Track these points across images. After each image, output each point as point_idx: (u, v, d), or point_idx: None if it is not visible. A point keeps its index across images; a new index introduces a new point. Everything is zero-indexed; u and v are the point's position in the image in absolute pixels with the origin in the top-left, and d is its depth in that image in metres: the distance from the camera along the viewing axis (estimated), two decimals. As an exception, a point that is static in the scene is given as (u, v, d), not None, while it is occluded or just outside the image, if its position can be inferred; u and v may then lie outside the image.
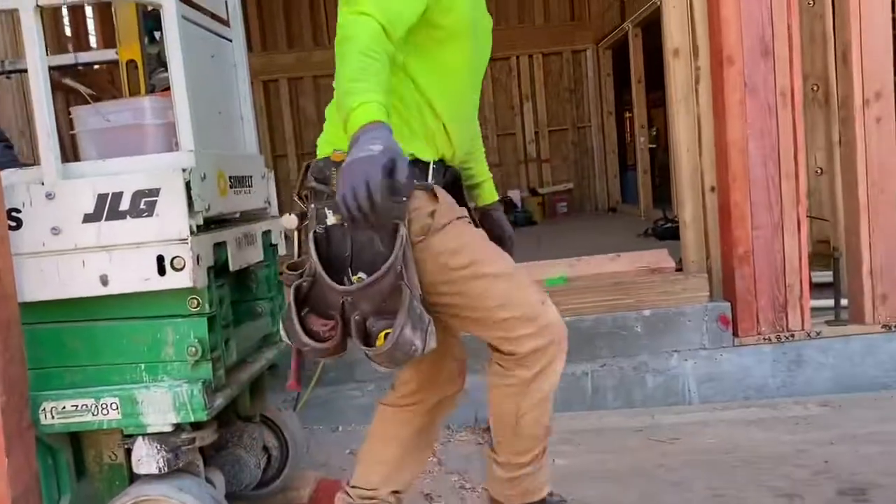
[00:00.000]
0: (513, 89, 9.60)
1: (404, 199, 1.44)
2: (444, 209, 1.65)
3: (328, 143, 1.67)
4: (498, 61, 9.54)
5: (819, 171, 4.44)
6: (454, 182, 1.81)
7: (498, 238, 1.93)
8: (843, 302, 3.32)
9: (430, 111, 1.66)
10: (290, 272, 1.62)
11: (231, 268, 2.00)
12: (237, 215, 2.20)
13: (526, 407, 1.68)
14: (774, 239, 3.15)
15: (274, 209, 2.43)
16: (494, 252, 1.71)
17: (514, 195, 9.28)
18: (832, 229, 3.68)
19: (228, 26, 2.33)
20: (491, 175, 2.07)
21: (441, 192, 1.67)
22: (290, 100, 9.59)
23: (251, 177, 2.27)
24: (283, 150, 9.68)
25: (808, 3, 4.20)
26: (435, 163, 1.69)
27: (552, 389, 1.69)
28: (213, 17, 2.21)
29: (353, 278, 1.54)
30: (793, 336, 3.18)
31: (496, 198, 2.06)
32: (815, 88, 4.23)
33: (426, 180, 1.66)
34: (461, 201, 1.78)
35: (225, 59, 2.31)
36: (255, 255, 2.21)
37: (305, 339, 1.57)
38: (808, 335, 3.19)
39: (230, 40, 2.34)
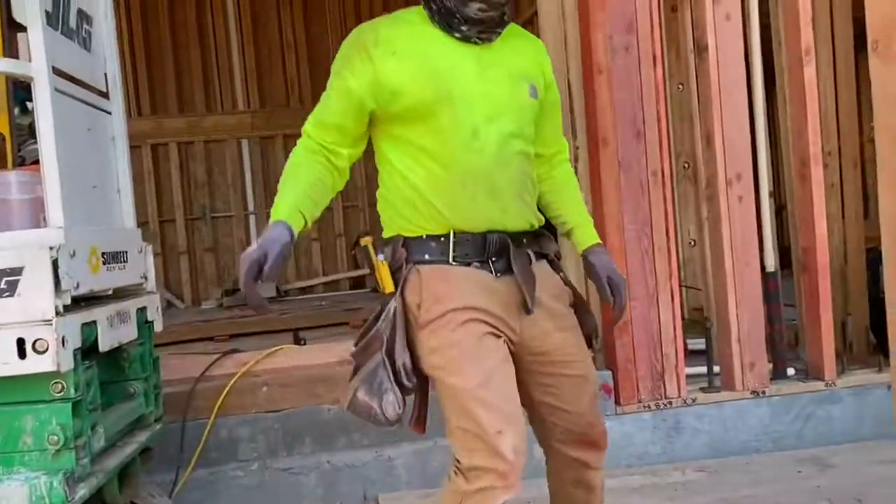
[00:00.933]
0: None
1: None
2: (428, 304, 1.67)
3: (385, 226, 1.82)
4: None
5: (692, 242, 4.72)
6: (503, 248, 1.72)
7: (599, 285, 1.87)
8: (717, 369, 3.49)
9: (415, 190, 1.69)
10: None
11: (101, 348, 1.92)
12: (110, 292, 2.11)
13: None
14: (651, 309, 3.30)
15: (151, 284, 2.36)
16: (471, 359, 1.64)
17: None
18: (705, 298, 3.89)
19: (108, 98, 2.29)
20: (588, 219, 1.95)
21: (426, 273, 1.69)
22: (179, 164, 9.39)
23: (126, 252, 2.20)
24: (171, 215, 9.41)
25: (679, 88, 4.52)
26: (471, 235, 1.69)
27: None
28: (91, 88, 2.16)
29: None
30: (670, 403, 3.30)
31: (591, 242, 1.92)
32: (687, 166, 4.53)
33: (441, 255, 1.69)
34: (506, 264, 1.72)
35: (103, 131, 2.26)
36: (129, 333, 2.12)
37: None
38: (685, 402, 3.32)
39: (109, 112, 2.29)
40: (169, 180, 9.44)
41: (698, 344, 3.76)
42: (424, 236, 1.70)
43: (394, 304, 1.67)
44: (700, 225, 4.05)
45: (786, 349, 3.58)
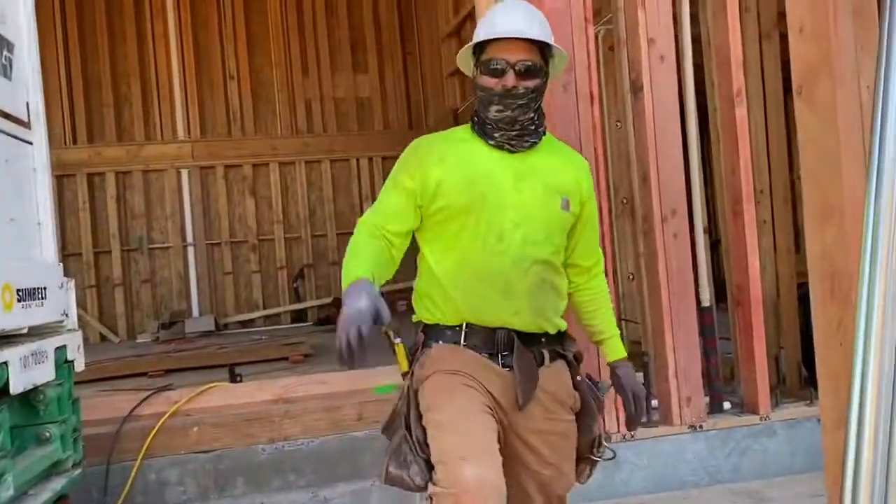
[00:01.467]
0: (353, 189, 9.76)
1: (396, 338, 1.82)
2: (428, 363, 1.85)
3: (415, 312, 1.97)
4: (338, 162, 9.72)
5: (631, 276, 4.77)
6: (510, 345, 1.84)
7: (624, 397, 2.01)
8: (655, 403, 3.51)
9: (438, 282, 1.85)
10: None
11: (12, 390, 1.81)
12: (25, 331, 2.01)
13: None
14: (591, 344, 3.30)
15: (72, 321, 2.25)
16: (449, 397, 1.77)
17: (353, 294, 9.23)
18: (642, 332, 3.92)
19: (29, 128, 2.20)
20: (616, 332, 2.08)
21: (436, 350, 1.85)
22: (116, 194, 9.16)
23: (45, 288, 2.10)
24: (107, 246, 9.15)
25: (617, 125, 4.61)
26: (481, 328, 1.83)
27: None
28: (10, 118, 2.08)
29: None
30: (610, 439, 3.30)
31: (619, 356, 2.06)
32: (625, 202, 4.60)
33: (455, 341, 1.84)
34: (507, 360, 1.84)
35: (22, 162, 2.17)
36: (45, 374, 2.02)
37: None
38: (624, 437, 3.32)
39: (30, 143, 2.21)
40: (105, 210, 9.19)
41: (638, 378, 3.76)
42: (441, 325, 1.87)
43: (407, 382, 1.86)
44: (638, 260, 4.10)
45: (722, 383, 3.63)
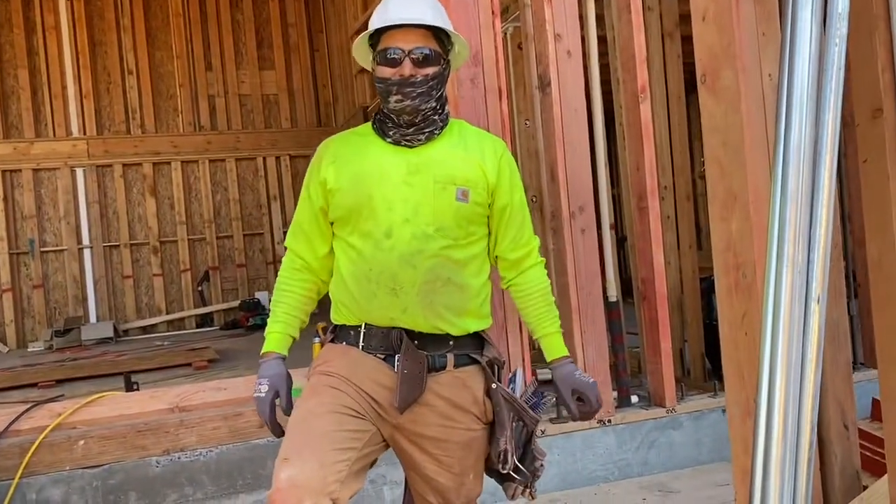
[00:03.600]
0: (260, 189, 9.49)
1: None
2: (314, 363, 1.89)
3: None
4: (244, 161, 9.44)
5: (543, 258, 4.79)
6: (406, 345, 1.80)
7: (564, 402, 1.94)
8: (615, 394, 3.50)
9: (343, 283, 1.84)
10: None
11: None
12: None
13: None
14: (500, 340, 3.27)
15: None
16: (305, 400, 1.79)
17: (262, 297, 9.03)
18: (553, 330, 3.93)
19: None
20: (554, 329, 1.96)
21: (325, 350, 1.89)
22: (3, 194, 8.61)
23: None
24: (-8, 249, 8.60)
25: (526, 124, 4.61)
26: (375, 328, 1.81)
27: None
28: None
29: None
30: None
31: (556, 354, 1.96)
32: (535, 200, 4.61)
33: (351, 341, 1.84)
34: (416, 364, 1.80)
35: None
36: None
37: None
38: (542, 431, 3.30)
39: None
40: (-10, 211, 8.65)
41: (547, 373, 3.77)
42: (346, 326, 1.86)
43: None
44: (547, 256, 4.11)
45: (629, 377, 3.67)
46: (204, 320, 9.24)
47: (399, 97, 1.75)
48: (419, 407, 1.79)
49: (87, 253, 9.02)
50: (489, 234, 1.91)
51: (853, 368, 2.78)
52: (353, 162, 1.83)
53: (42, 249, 8.87)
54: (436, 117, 1.82)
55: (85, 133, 8.99)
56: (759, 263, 1.40)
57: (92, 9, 9.08)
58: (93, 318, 8.92)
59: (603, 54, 3.81)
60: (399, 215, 1.78)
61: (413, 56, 1.75)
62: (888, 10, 1.20)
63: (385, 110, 1.83)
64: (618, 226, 4.99)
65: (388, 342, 1.81)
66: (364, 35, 1.84)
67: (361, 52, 1.90)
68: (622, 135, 3.72)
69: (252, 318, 8.47)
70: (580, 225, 3.34)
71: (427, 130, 1.82)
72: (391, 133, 1.82)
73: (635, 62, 3.44)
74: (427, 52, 1.75)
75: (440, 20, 1.78)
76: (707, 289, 4.24)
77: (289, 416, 1.78)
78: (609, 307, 3.60)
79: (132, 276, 9.08)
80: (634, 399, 3.58)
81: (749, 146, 1.40)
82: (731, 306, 1.56)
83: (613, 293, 3.66)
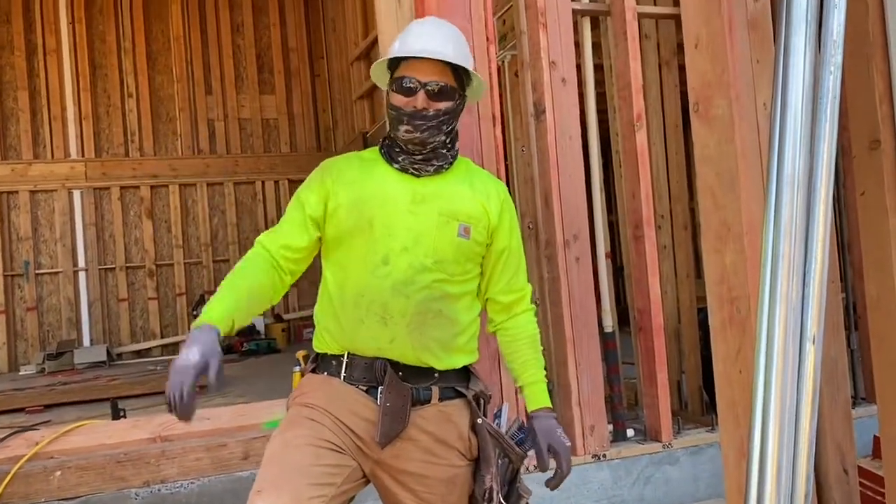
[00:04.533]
0: (258, 213, 9.45)
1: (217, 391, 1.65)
2: (293, 394, 1.81)
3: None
4: (242, 185, 9.42)
5: (536, 302, 4.72)
6: (390, 376, 1.74)
7: (538, 452, 1.88)
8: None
9: (332, 308, 1.78)
10: None
11: None
12: None
13: None
14: (493, 371, 3.19)
15: None
16: (281, 432, 1.72)
17: (257, 322, 8.95)
18: (546, 359, 3.85)
19: None
20: (538, 377, 1.91)
21: (305, 380, 1.82)
22: (-1, 215, 8.58)
23: None
24: (-13, 271, 8.54)
25: (522, 150, 4.57)
26: (359, 358, 1.75)
27: None
28: None
29: None
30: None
31: (538, 405, 1.90)
32: (531, 226, 4.56)
33: (333, 371, 1.77)
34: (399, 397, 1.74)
35: None
36: None
37: None
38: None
39: None
40: (-14, 232, 8.61)
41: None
42: (329, 354, 1.80)
43: None
44: (542, 285, 4.05)
45: (626, 410, 3.59)
46: (198, 345, 9.15)
47: (409, 128, 1.73)
48: (402, 442, 1.74)
49: (82, 275, 8.96)
50: (482, 275, 1.89)
51: (853, 404, 2.70)
52: (357, 183, 1.80)
53: (37, 271, 8.82)
54: (445, 151, 1.80)
55: (83, 155, 8.97)
56: (754, 297, 1.34)
57: (93, 32, 9.11)
58: (86, 342, 8.84)
59: (600, 82, 3.78)
60: (399, 243, 1.74)
61: (428, 88, 1.73)
62: (885, 37, 1.16)
63: (393, 136, 1.81)
64: (615, 254, 4.94)
65: (371, 373, 1.75)
66: (384, 60, 1.82)
67: (379, 74, 1.88)
68: (619, 162, 3.68)
69: (246, 342, 8.39)
70: (575, 253, 3.29)
71: (436, 163, 1.80)
72: (399, 159, 1.80)
73: (631, 90, 3.41)
74: (443, 86, 1.73)
75: (461, 56, 1.77)
76: (705, 319, 4.17)
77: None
78: (605, 337, 3.54)
79: (127, 300, 9.01)
80: (630, 433, 3.50)
81: (743, 176, 1.35)
82: (726, 341, 1.50)
83: (609, 323, 3.60)
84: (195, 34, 9.38)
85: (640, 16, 3.64)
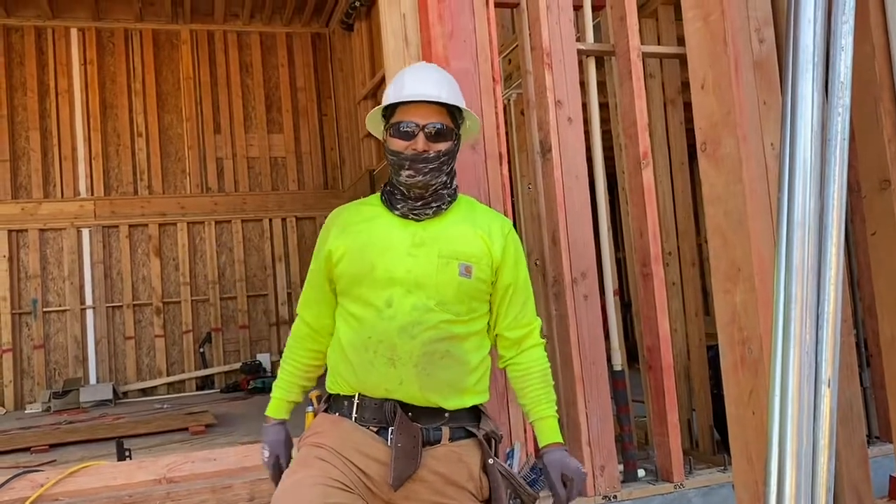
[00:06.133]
0: (265, 250, 9.48)
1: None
2: (305, 433, 1.86)
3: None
4: (250, 222, 9.47)
5: (544, 339, 4.69)
6: (395, 415, 1.76)
7: (551, 486, 1.83)
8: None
9: (342, 352, 1.82)
10: None
11: None
12: None
13: None
14: (501, 411, 3.16)
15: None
16: (293, 472, 1.76)
17: (264, 359, 8.93)
18: (556, 398, 3.82)
19: None
20: (549, 413, 1.89)
21: (318, 420, 1.86)
22: (9, 253, 8.61)
23: None
24: (-5, 310, 8.56)
25: (528, 188, 4.59)
26: (368, 399, 1.78)
27: None
28: None
29: None
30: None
31: (549, 440, 1.87)
32: (538, 263, 4.55)
33: (344, 412, 1.80)
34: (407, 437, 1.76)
35: None
36: None
37: None
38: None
39: None
40: (-6, 272, 8.65)
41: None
42: (341, 395, 1.83)
43: None
44: (550, 323, 4.03)
45: (636, 450, 3.54)
46: (204, 382, 9.12)
47: (411, 172, 1.77)
48: (412, 483, 1.73)
49: (89, 313, 8.97)
50: (490, 311, 1.89)
51: (867, 443, 2.66)
52: (360, 232, 1.84)
53: (45, 309, 8.84)
54: (444, 192, 1.83)
55: (92, 194, 9.05)
56: (766, 338, 1.33)
57: (104, 73, 9.25)
58: (93, 380, 8.81)
59: (605, 120, 3.81)
60: (401, 286, 1.77)
61: (427, 131, 1.77)
62: (892, 78, 1.16)
63: (395, 181, 1.83)
64: (623, 291, 4.93)
65: (381, 414, 1.76)
66: (379, 108, 1.86)
67: (374, 123, 1.92)
68: (626, 200, 3.69)
69: (252, 380, 8.35)
70: (583, 291, 3.27)
71: (435, 205, 1.82)
72: (399, 206, 1.83)
73: (637, 128, 3.42)
74: (441, 127, 1.77)
75: (454, 97, 1.81)
76: (714, 357, 4.13)
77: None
78: (614, 376, 3.50)
79: (134, 337, 9.01)
80: (641, 473, 3.44)
81: (752, 216, 1.34)
82: (738, 383, 1.48)
83: (618, 361, 3.57)
84: (204, 74, 9.51)
85: (645, 55, 3.68)
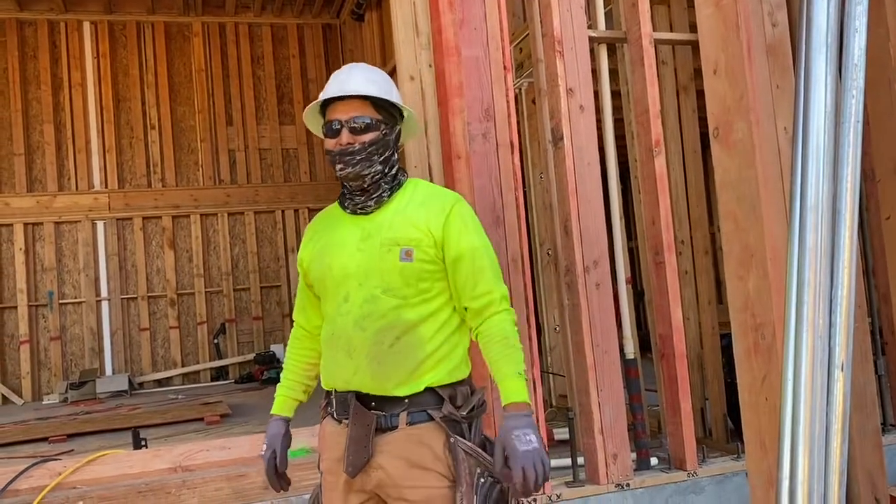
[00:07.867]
0: (278, 241, 9.52)
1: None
2: (319, 446, 1.96)
3: None
4: (263, 214, 9.50)
5: (557, 328, 4.69)
6: (354, 407, 1.82)
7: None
8: (581, 460, 3.38)
9: (321, 350, 1.95)
10: None
11: None
12: None
13: None
14: (491, 385, 3.17)
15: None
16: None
17: (277, 350, 8.97)
18: (568, 387, 3.82)
19: None
20: (510, 374, 1.76)
21: (321, 429, 1.94)
22: (25, 246, 8.69)
23: None
24: (13, 301, 8.65)
25: (540, 177, 4.58)
26: (336, 393, 1.87)
27: None
28: None
29: None
30: (535, 500, 3.15)
31: (508, 400, 1.74)
32: (550, 253, 4.55)
33: (329, 409, 1.91)
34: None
35: None
36: None
37: None
38: (550, 499, 3.18)
39: None
40: (12, 264, 8.72)
41: (564, 433, 3.65)
42: (326, 391, 1.94)
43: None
44: (562, 311, 4.03)
45: (648, 438, 3.54)
46: (219, 373, 9.18)
47: (341, 165, 1.84)
48: (374, 470, 1.78)
49: (104, 305, 9.04)
50: (450, 287, 1.89)
51: (882, 431, 2.65)
52: (322, 236, 1.95)
53: (60, 301, 8.91)
54: (382, 181, 1.88)
55: (106, 186, 9.10)
56: (779, 324, 1.32)
57: (117, 66, 9.29)
58: (108, 371, 8.89)
59: (617, 108, 3.78)
60: (354, 280, 1.85)
61: (352, 126, 1.83)
62: (907, 60, 1.15)
63: (338, 179, 1.92)
64: (635, 279, 4.91)
65: (343, 406, 1.85)
66: (312, 109, 1.93)
67: (313, 124, 1.99)
68: (638, 188, 3.67)
69: (266, 371, 8.40)
70: (595, 279, 3.27)
71: (375, 196, 1.88)
72: (347, 203, 1.92)
73: (649, 116, 3.41)
74: (366, 120, 1.83)
75: (377, 90, 1.85)
76: (728, 345, 4.12)
77: (283, 471, 1.98)
78: (626, 364, 3.50)
79: (149, 329, 9.08)
80: (654, 461, 3.44)
81: (765, 201, 1.33)
82: (751, 369, 1.47)
83: (630, 350, 3.56)
84: (216, 66, 9.53)
85: (657, 42, 3.66)
